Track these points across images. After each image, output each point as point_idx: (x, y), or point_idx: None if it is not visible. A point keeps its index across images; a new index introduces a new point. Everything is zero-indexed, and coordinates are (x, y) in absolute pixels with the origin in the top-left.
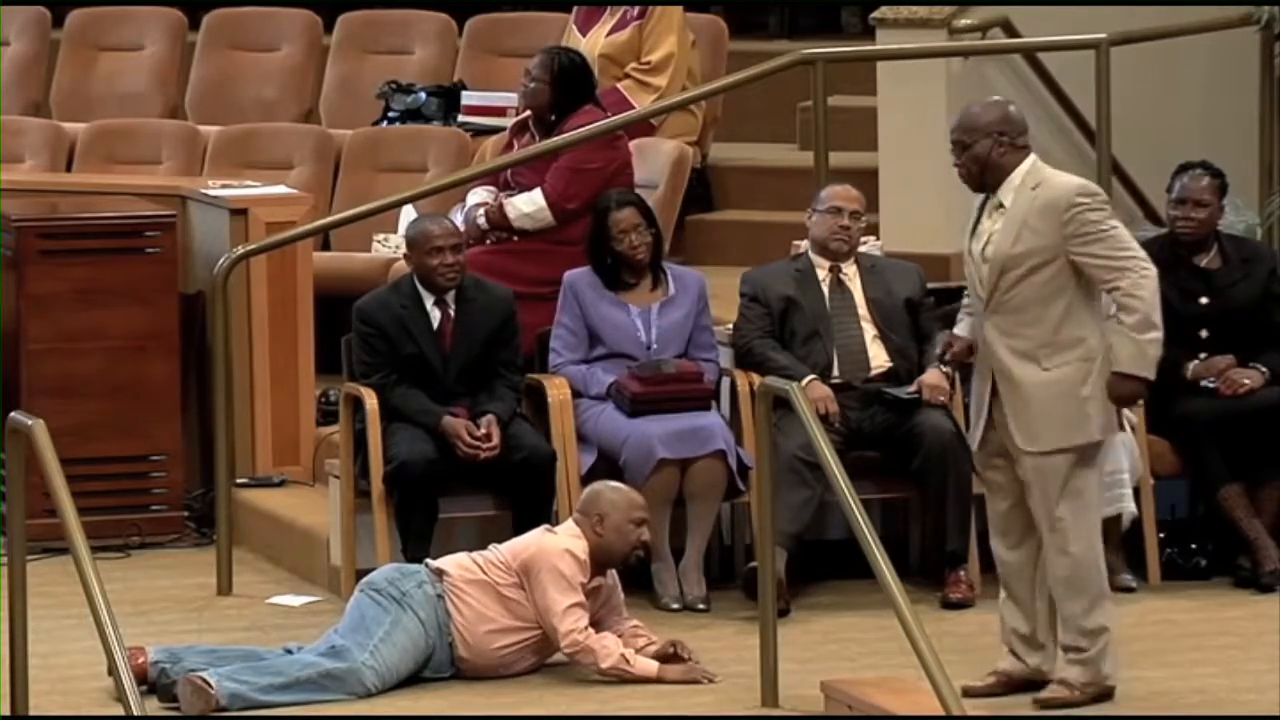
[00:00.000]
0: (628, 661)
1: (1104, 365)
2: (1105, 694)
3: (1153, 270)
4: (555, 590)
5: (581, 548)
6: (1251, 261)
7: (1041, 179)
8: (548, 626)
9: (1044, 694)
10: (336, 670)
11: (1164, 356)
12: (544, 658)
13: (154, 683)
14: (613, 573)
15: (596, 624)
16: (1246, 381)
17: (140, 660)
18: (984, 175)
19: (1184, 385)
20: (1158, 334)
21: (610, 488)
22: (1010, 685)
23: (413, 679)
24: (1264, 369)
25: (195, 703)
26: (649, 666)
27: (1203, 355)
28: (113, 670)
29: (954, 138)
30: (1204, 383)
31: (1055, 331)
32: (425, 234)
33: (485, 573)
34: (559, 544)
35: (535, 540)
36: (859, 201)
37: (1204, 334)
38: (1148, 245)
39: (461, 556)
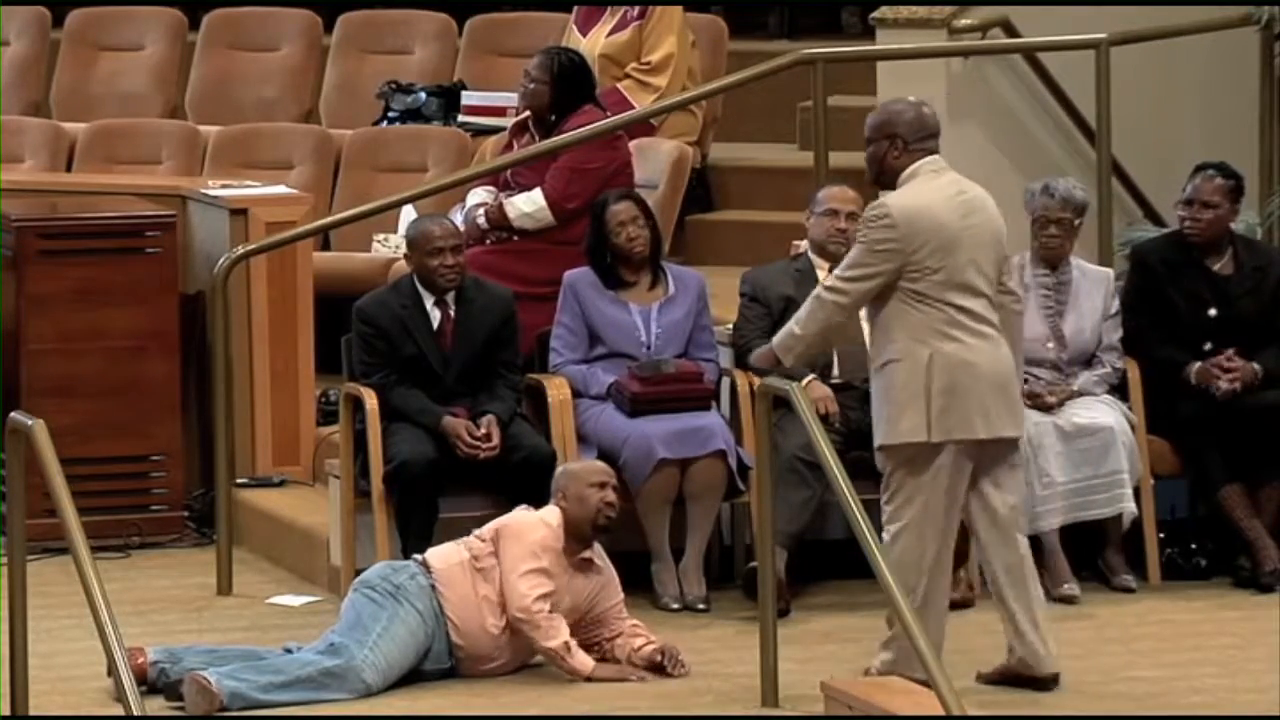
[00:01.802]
0: (569, 650)
1: (920, 368)
2: None
3: (838, 301)
4: (517, 552)
5: (556, 518)
6: (1263, 270)
7: (901, 185)
8: (506, 589)
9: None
10: (336, 668)
11: (1166, 359)
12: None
13: (154, 683)
14: (609, 566)
15: (597, 622)
16: (1236, 378)
17: (140, 660)
18: (879, 175)
19: (1185, 389)
20: (794, 331)
21: (572, 463)
22: (1003, 678)
23: (414, 675)
24: (1258, 368)
25: (200, 702)
26: (585, 663)
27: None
28: (112, 670)
29: (865, 134)
30: (1209, 387)
31: (878, 336)
32: (425, 234)
33: (468, 551)
34: (533, 515)
35: (513, 513)
36: (855, 202)
37: (1208, 345)
38: (1155, 245)
39: (447, 545)
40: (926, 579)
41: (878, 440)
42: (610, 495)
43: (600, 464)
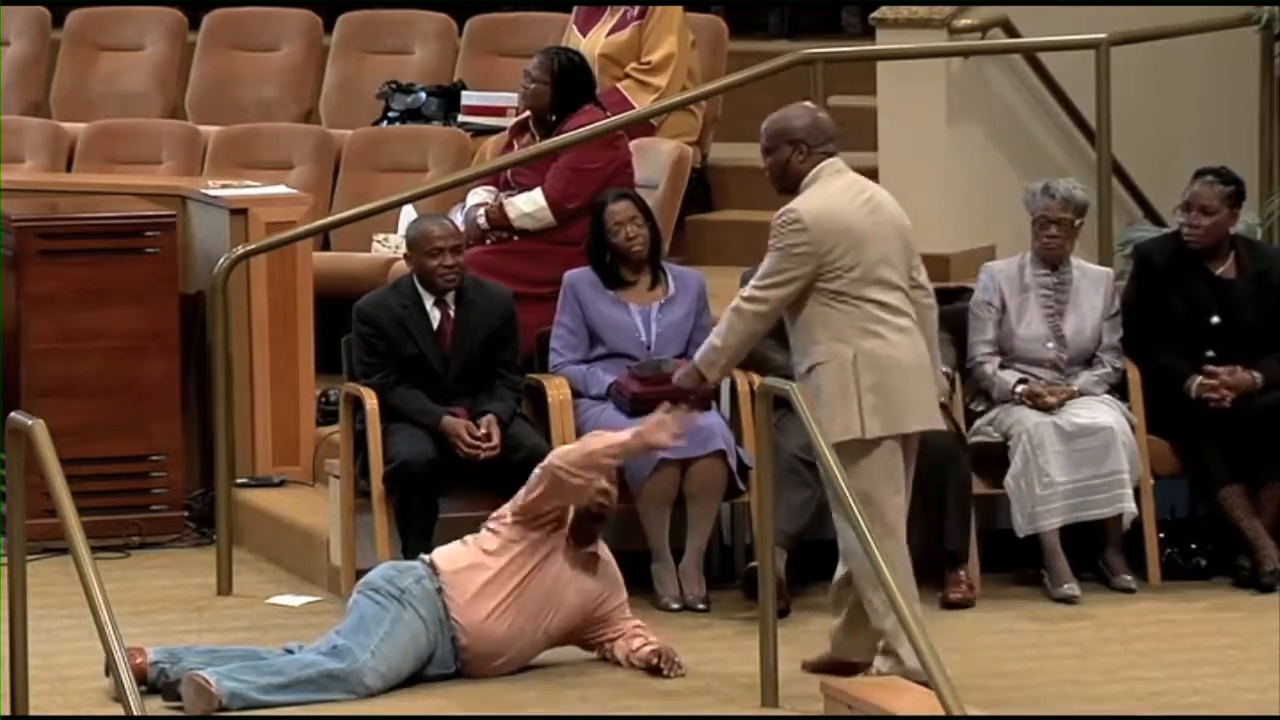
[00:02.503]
0: (615, 442)
1: (846, 368)
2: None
3: (758, 310)
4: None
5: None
6: (1267, 274)
7: (804, 189)
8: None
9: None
10: (337, 671)
11: (1168, 368)
12: (544, 629)
13: (153, 683)
14: (614, 565)
15: (602, 621)
16: (1227, 388)
17: (139, 660)
18: (783, 180)
19: (1186, 400)
20: (715, 344)
21: None
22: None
23: (416, 677)
24: (1257, 375)
25: (198, 702)
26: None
27: (1207, 371)
28: (111, 670)
29: (761, 143)
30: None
31: (800, 340)
32: (425, 235)
33: (479, 549)
34: None
35: None
36: None
37: (1210, 353)
38: (1158, 245)
39: (454, 545)
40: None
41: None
42: (603, 483)
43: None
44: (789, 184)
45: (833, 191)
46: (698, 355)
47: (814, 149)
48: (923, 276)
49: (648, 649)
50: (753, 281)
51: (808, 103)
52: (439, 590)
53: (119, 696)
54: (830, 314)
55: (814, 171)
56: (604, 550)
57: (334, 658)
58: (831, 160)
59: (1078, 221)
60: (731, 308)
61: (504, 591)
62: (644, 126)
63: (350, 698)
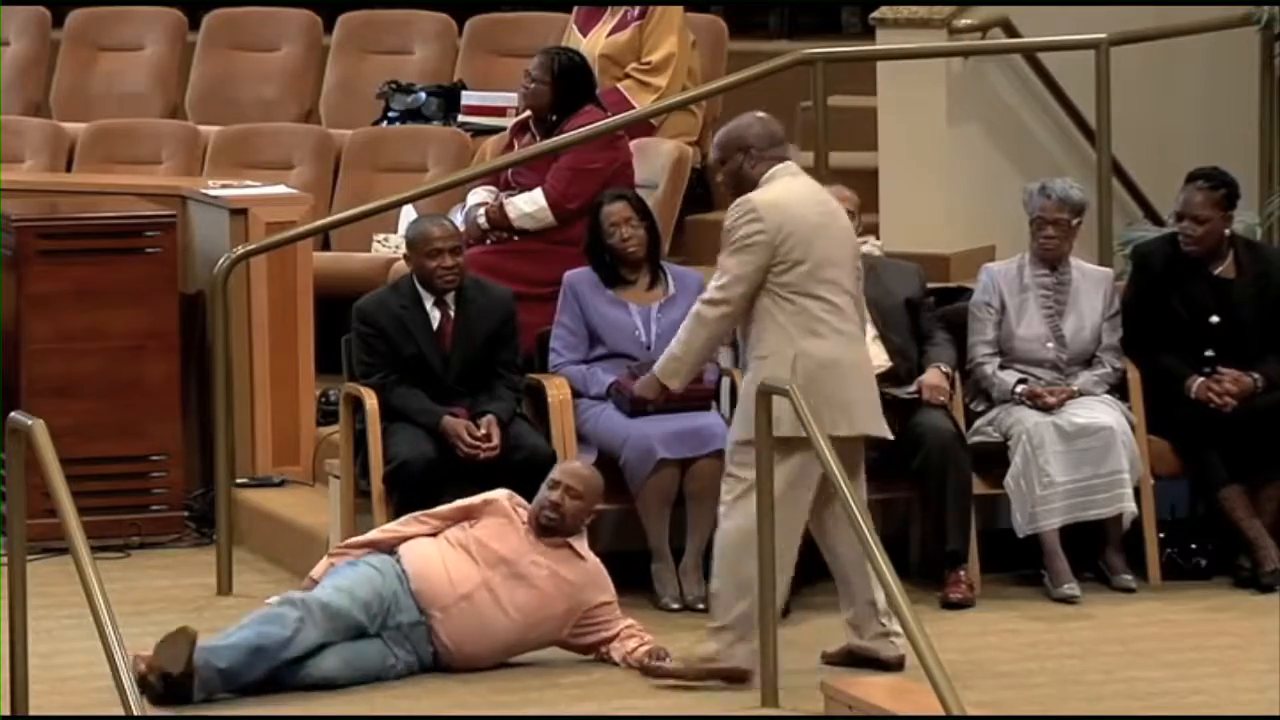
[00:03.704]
0: None
1: (786, 366)
2: (730, 675)
3: (722, 312)
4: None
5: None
6: (1267, 275)
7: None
8: None
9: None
10: (284, 598)
11: (1168, 368)
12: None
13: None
14: (594, 560)
15: (589, 619)
16: (1231, 396)
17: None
18: (739, 187)
19: (1186, 400)
20: (676, 354)
21: (571, 461)
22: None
23: (417, 674)
24: (1257, 377)
25: (178, 649)
26: None
27: (1206, 370)
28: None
29: (714, 155)
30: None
31: (750, 332)
32: (425, 236)
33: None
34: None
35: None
36: (851, 201)
37: (1210, 353)
38: (1157, 246)
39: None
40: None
41: (741, 434)
42: (555, 496)
43: (575, 466)
44: (744, 189)
45: (787, 187)
46: (659, 364)
47: (765, 153)
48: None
49: (643, 649)
50: (711, 284)
51: (758, 112)
52: (391, 553)
53: (121, 693)
54: (777, 312)
55: (770, 173)
56: (583, 548)
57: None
58: (786, 164)
59: (1075, 222)
60: (692, 313)
61: (454, 545)
62: (644, 126)
63: (297, 610)
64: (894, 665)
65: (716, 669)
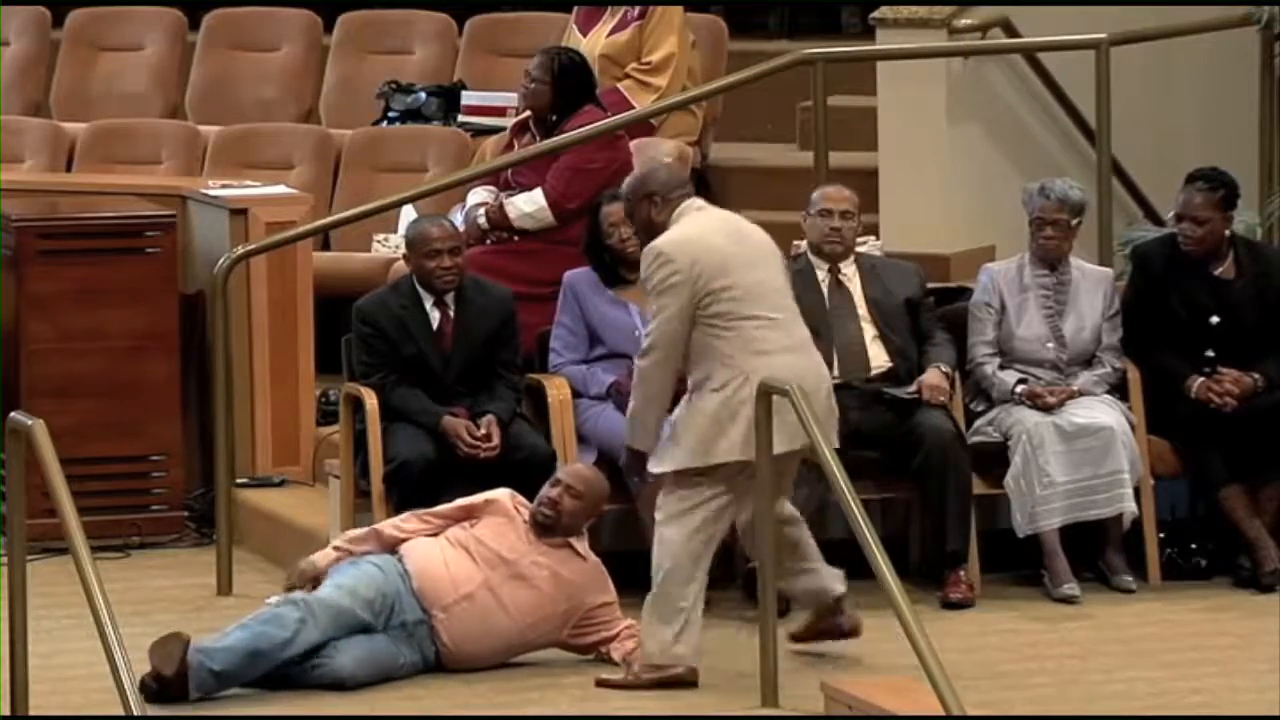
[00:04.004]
0: None
1: (734, 391)
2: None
3: (657, 359)
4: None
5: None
6: (1267, 275)
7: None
8: None
9: (605, 675)
10: (286, 598)
11: (1168, 368)
12: (514, 601)
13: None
14: (595, 560)
15: (588, 619)
16: (1232, 396)
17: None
18: (649, 235)
19: (1186, 400)
20: (632, 414)
21: (574, 464)
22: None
23: (417, 676)
24: (1258, 377)
25: (171, 650)
26: None
27: (1207, 371)
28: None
29: (623, 208)
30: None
31: (692, 365)
32: (424, 237)
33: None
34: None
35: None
36: (850, 201)
37: (1210, 353)
38: (1157, 246)
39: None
40: (695, 585)
41: (680, 462)
42: (555, 494)
43: (579, 468)
44: (655, 234)
45: (693, 221)
46: (628, 435)
47: (669, 197)
48: None
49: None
50: (643, 335)
51: (663, 156)
52: (393, 553)
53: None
54: (716, 342)
55: (675, 214)
56: (584, 548)
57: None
58: (690, 200)
59: (1074, 222)
60: (634, 371)
61: (455, 545)
62: (644, 126)
63: (299, 612)
64: (851, 633)
65: (662, 677)
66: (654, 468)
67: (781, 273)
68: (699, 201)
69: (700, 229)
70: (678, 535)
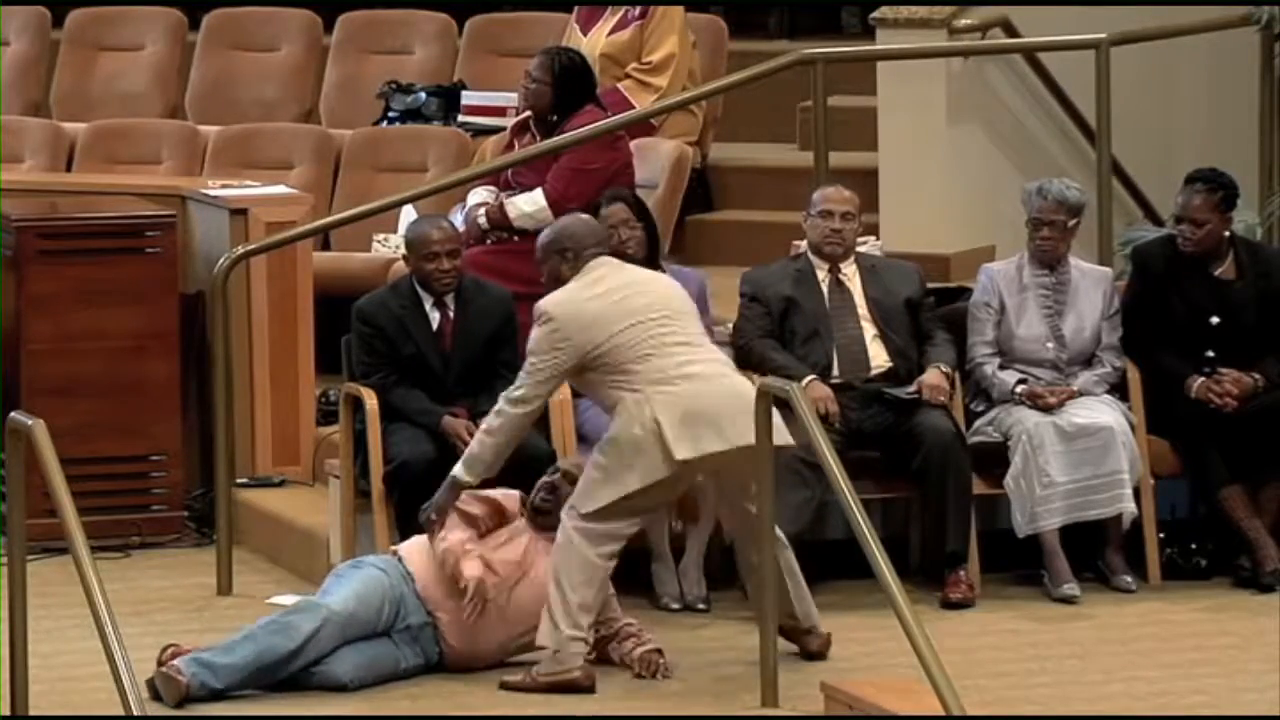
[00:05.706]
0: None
1: (647, 419)
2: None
3: (526, 411)
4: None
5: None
6: (1267, 276)
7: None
8: None
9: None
10: (296, 606)
11: (1168, 368)
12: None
13: (197, 695)
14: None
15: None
16: (1232, 396)
17: (181, 680)
18: (556, 287)
19: (1186, 400)
20: (474, 450)
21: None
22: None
23: (418, 676)
24: (1258, 377)
25: (170, 692)
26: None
27: (1207, 370)
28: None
29: (538, 259)
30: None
31: (600, 404)
32: (423, 238)
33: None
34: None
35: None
36: (850, 202)
37: (1210, 354)
38: (1157, 246)
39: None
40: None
41: (601, 500)
42: (555, 480)
43: (577, 459)
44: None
45: (580, 286)
46: (462, 459)
47: (581, 254)
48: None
49: (640, 650)
50: (519, 380)
51: (580, 214)
52: (401, 563)
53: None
54: (622, 390)
55: (582, 272)
56: None
57: (292, 608)
58: (598, 260)
59: (1072, 222)
60: (495, 411)
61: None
62: (644, 126)
63: (311, 625)
64: (816, 655)
65: (557, 680)
66: (584, 509)
67: (682, 304)
68: (605, 260)
69: (584, 292)
70: (590, 553)
